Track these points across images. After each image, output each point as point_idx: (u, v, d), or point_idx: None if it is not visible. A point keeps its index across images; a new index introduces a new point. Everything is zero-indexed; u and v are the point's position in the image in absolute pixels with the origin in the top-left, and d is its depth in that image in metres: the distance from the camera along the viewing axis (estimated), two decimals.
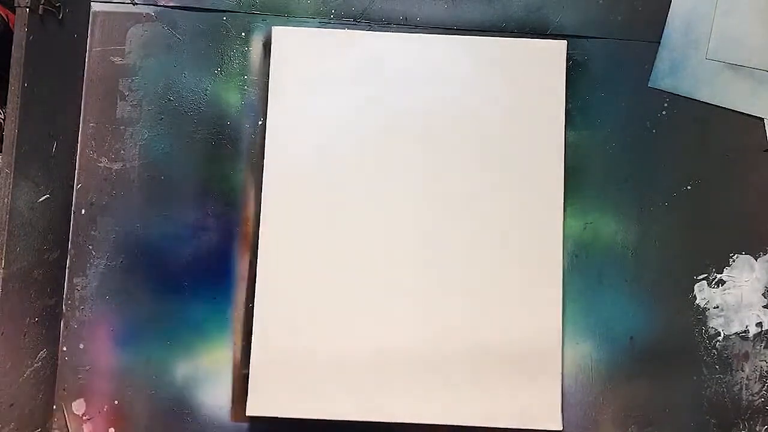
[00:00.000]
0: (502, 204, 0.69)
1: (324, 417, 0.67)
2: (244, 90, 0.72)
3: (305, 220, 0.69)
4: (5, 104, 0.61)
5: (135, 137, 0.71)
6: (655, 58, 0.73)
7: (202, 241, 0.71)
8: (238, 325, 0.70)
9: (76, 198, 0.71)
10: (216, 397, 0.70)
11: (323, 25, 0.73)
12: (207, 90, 0.72)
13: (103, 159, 0.71)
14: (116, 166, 0.71)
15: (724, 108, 0.73)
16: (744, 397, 0.71)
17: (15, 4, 0.61)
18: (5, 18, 0.66)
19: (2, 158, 0.61)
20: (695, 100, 0.73)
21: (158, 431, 0.69)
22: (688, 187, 0.73)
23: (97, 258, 0.70)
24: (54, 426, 0.69)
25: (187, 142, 0.71)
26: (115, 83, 0.72)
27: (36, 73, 0.62)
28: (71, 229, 0.71)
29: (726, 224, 0.72)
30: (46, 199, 0.66)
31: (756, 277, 0.72)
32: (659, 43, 0.73)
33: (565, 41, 0.72)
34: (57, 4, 0.65)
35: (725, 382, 0.71)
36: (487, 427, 0.68)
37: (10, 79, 0.60)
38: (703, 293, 0.72)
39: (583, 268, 0.71)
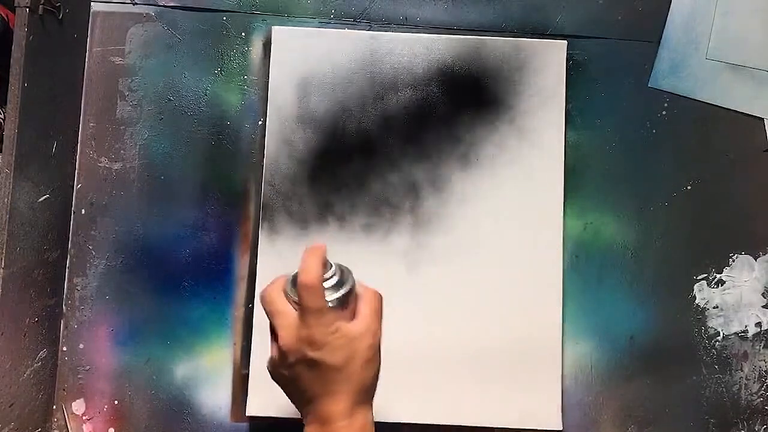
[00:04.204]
0: (502, 204, 0.69)
1: None
2: (244, 90, 0.72)
3: (305, 220, 0.69)
4: (5, 104, 0.61)
5: (135, 137, 0.71)
6: (655, 58, 0.73)
7: (202, 241, 0.71)
8: (238, 325, 0.70)
9: (76, 198, 0.71)
10: (216, 397, 0.70)
11: (323, 25, 0.73)
12: (207, 90, 0.72)
13: (103, 159, 0.71)
14: (116, 166, 0.71)
15: (724, 108, 0.73)
16: (743, 396, 0.71)
17: (15, 4, 0.61)
18: (5, 18, 0.66)
19: (2, 158, 0.61)
20: (695, 100, 0.73)
21: (158, 431, 0.69)
22: (688, 187, 0.73)
23: (97, 258, 0.70)
24: (54, 426, 0.69)
25: (187, 142, 0.71)
26: (115, 83, 0.72)
27: (36, 73, 0.62)
28: (71, 229, 0.71)
29: (726, 224, 0.72)
30: (46, 199, 0.66)
31: (756, 277, 0.72)
32: (659, 43, 0.73)
33: (565, 41, 0.72)
34: (57, 4, 0.65)
35: (724, 381, 0.71)
36: (487, 427, 0.68)
37: (10, 79, 0.60)
38: (703, 293, 0.72)
39: (583, 268, 0.71)
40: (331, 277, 0.50)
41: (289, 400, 0.52)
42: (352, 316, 0.51)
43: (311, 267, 0.49)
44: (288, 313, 0.50)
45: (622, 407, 0.71)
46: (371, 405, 0.51)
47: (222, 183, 0.71)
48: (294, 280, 0.51)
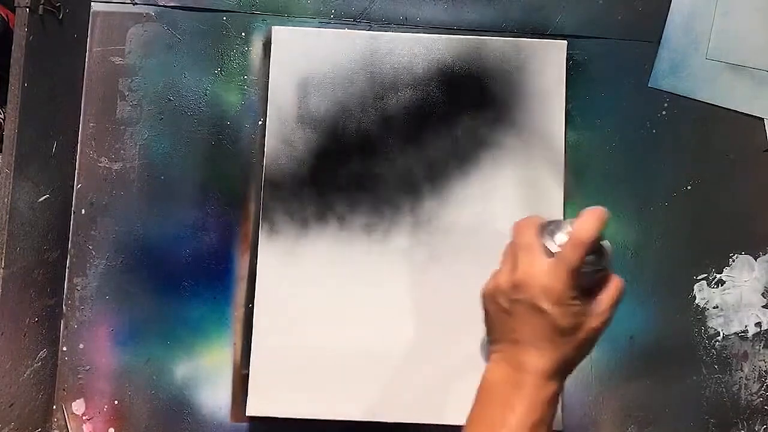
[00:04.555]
0: (501, 204, 0.69)
1: (324, 417, 0.67)
2: (244, 90, 0.72)
3: (305, 220, 0.69)
4: (5, 104, 0.61)
5: (135, 137, 0.71)
6: (655, 58, 0.73)
7: (202, 241, 0.71)
8: (238, 325, 0.70)
9: (76, 198, 0.71)
10: (216, 397, 0.70)
11: (323, 25, 0.73)
12: (207, 90, 0.72)
13: (103, 159, 0.71)
14: (116, 166, 0.71)
15: (724, 108, 0.73)
16: (743, 396, 0.71)
17: (15, 4, 0.61)
18: (5, 18, 0.66)
19: (2, 158, 0.61)
20: (695, 100, 0.73)
21: (158, 431, 0.69)
22: (688, 187, 0.73)
23: (97, 258, 0.70)
24: (54, 426, 0.69)
25: (187, 142, 0.71)
26: (115, 83, 0.72)
27: (36, 73, 0.62)
28: (71, 229, 0.70)
29: (726, 224, 0.72)
30: (46, 199, 0.66)
31: (755, 277, 0.72)
32: (659, 43, 0.73)
33: (565, 41, 0.72)
34: (57, 4, 0.65)
35: (724, 381, 0.71)
36: None
37: (10, 79, 0.60)
38: (703, 293, 0.72)
39: None
40: (596, 248, 0.49)
41: (485, 327, 0.53)
42: (593, 295, 0.50)
43: (591, 226, 0.48)
44: (540, 254, 0.50)
45: (622, 407, 0.71)
46: (564, 383, 0.50)
47: (222, 183, 0.71)
48: (552, 228, 0.51)
